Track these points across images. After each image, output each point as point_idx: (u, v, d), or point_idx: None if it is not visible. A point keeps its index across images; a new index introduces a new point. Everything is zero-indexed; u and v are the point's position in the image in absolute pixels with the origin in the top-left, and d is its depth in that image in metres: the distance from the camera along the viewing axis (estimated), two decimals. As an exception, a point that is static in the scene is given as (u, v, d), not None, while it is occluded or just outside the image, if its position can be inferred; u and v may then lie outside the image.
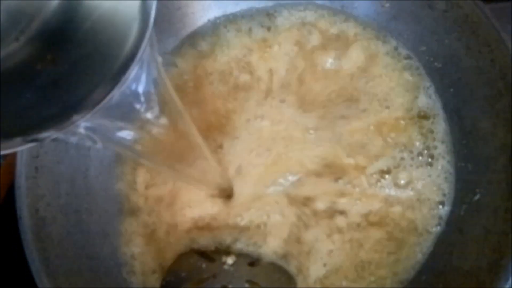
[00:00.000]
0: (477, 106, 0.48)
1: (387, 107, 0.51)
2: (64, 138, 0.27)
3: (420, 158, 0.49)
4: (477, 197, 0.46)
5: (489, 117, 0.46)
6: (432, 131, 0.50)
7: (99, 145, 0.28)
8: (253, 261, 0.47)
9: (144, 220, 0.49)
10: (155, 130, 0.33)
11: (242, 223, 0.48)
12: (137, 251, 0.48)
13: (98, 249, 0.47)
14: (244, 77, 0.54)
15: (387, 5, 0.53)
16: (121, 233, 0.49)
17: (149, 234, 0.48)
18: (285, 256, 0.47)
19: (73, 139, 0.27)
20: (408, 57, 0.53)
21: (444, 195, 0.48)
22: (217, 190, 0.47)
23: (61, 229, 0.45)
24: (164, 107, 0.33)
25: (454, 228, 0.46)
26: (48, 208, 0.45)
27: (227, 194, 0.48)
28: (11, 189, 0.44)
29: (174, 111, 0.35)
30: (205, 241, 0.47)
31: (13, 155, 0.45)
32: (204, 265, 0.46)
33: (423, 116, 0.51)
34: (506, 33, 0.46)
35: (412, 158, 0.49)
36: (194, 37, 0.57)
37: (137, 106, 0.30)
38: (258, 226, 0.48)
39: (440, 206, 0.48)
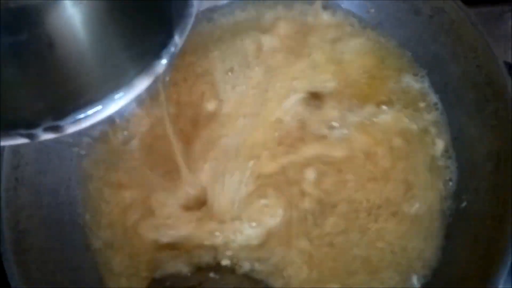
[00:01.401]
0: (463, 112, 0.48)
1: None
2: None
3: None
4: (464, 204, 0.46)
5: (475, 123, 0.46)
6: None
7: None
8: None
9: (121, 232, 0.48)
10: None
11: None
12: (116, 263, 0.47)
13: (81, 261, 0.46)
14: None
15: (372, 10, 0.53)
16: (101, 244, 0.48)
17: (128, 248, 0.47)
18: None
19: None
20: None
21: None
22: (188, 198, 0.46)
23: (42, 241, 0.44)
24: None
25: (442, 236, 0.46)
26: (29, 219, 0.44)
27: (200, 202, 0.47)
28: (-10, 200, 0.43)
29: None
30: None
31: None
32: (189, 274, 0.45)
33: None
34: (493, 38, 0.46)
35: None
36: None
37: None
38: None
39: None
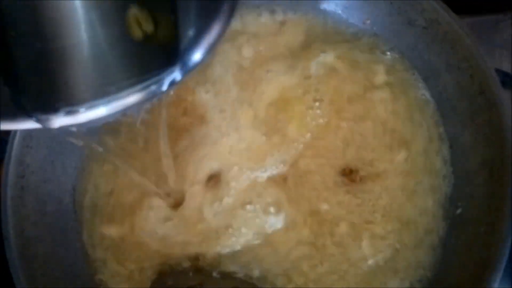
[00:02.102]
0: (458, 121, 0.48)
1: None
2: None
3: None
4: (459, 211, 0.46)
5: (469, 132, 0.47)
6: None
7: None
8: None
9: (123, 239, 0.49)
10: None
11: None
12: (117, 269, 0.47)
13: (83, 268, 0.47)
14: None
15: (368, 22, 0.54)
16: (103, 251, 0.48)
17: (129, 254, 0.48)
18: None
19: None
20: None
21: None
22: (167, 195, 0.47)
23: (47, 248, 0.46)
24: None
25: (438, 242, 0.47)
26: (34, 227, 0.45)
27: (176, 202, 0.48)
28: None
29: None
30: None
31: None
32: (191, 273, 0.46)
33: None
34: (488, 47, 0.47)
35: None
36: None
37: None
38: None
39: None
